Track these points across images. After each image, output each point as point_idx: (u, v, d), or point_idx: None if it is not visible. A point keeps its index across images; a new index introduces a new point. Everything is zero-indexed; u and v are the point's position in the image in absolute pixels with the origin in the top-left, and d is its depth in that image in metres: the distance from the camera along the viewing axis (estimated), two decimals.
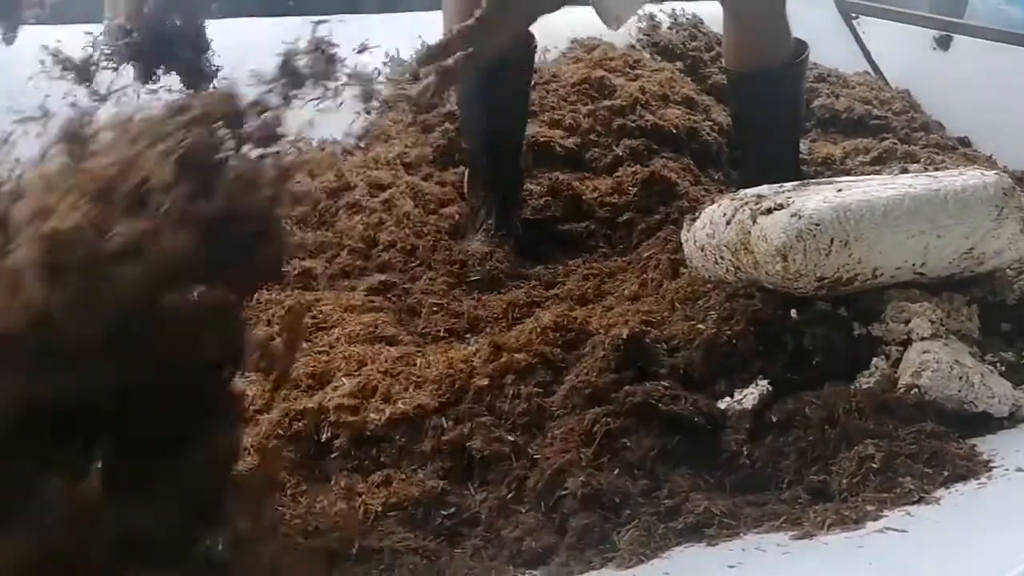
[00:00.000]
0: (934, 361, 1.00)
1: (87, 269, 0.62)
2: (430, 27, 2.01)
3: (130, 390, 0.64)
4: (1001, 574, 0.62)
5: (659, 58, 2.13)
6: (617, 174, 1.66)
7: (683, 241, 1.28)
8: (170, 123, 0.70)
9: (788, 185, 1.21)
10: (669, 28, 2.27)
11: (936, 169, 1.71)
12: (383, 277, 1.37)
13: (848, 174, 1.79)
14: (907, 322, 1.07)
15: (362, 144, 1.75)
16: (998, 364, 1.05)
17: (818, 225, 1.06)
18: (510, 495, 0.93)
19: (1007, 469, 0.85)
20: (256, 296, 1.30)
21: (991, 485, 0.83)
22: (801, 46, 1.59)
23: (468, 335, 1.24)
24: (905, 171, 1.74)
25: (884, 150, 1.92)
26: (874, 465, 0.87)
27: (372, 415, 1.00)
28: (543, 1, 1.28)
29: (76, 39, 0.89)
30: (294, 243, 1.40)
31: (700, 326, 1.09)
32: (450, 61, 1.06)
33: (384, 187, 1.57)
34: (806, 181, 1.26)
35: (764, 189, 1.20)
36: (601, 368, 1.04)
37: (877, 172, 1.80)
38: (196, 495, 0.67)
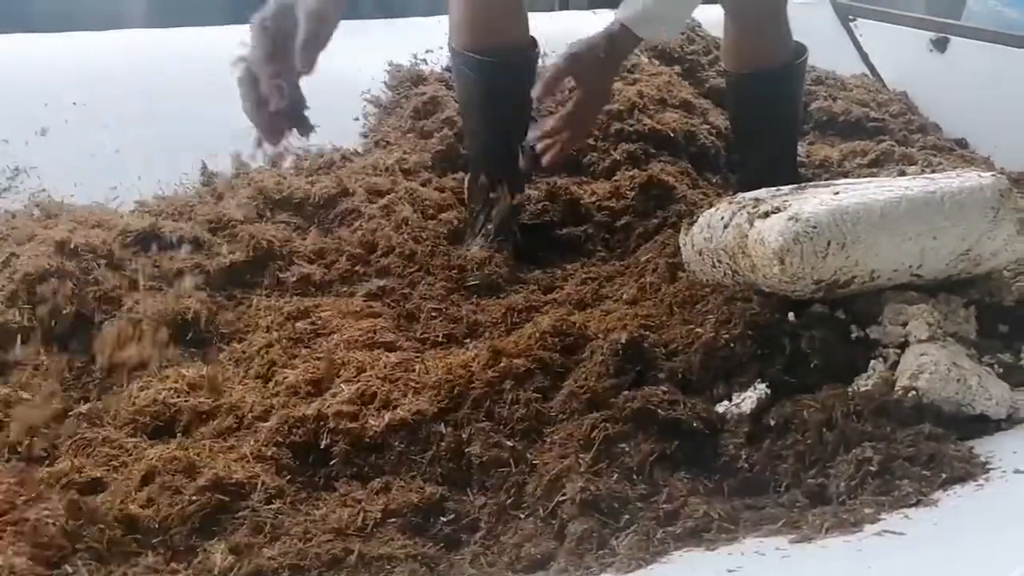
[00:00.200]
0: (931, 363, 1.00)
1: None
2: (429, 33, 2.03)
3: None
4: None
5: (657, 62, 2.13)
6: (615, 178, 1.67)
7: (681, 245, 1.29)
8: None
9: (785, 188, 1.21)
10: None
11: (933, 171, 1.71)
12: (382, 282, 1.37)
13: (846, 176, 1.80)
14: (904, 324, 1.07)
15: (360, 150, 1.76)
16: (995, 366, 1.05)
17: (815, 228, 1.06)
18: (509, 501, 0.93)
19: (1004, 471, 0.85)
20: (254, 302, 1.31)
21: (989, 487, 0.83)
22: (800, 48, 1.60)
23: (467, 340, 1.24)
24: (903, 173, 1.74)
25: (882, 152, 1.92)
26: (872, 468, 0.87)
27: (371, 421, 1.00)
28: None
29: None
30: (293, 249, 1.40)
31: (698, 330, 1.09)
32: None
33: (383, 193, 1.57)
34: (803, 184, 1.27)
35: (761, 192, 1.20)
36: (600, 373, 1.04)
37: (875, 174, 1.80)
38: None
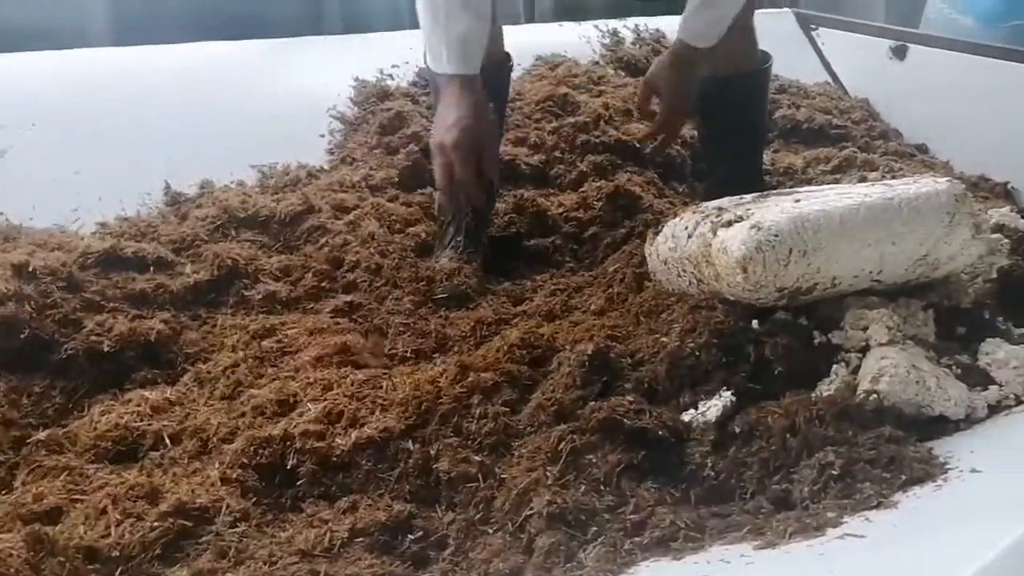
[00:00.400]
0: (892, 366, 1.02)
1: None
2: (393, 48, 2.03)
3: None
4: (952, 574, 0.63)
5: (623, 73, 2.15)
6: (582, 189, 1.68)
7: (647, 255, 1.30)
8: None
9: (748, 197, 1.22)
10: (633, 43, 2.31)
11: (894, 176, 1.74)
12: (349, 298, 1.36)
13: (809, 183, 1.83)
14: (865, 329, 1.08)
15: (326, 167, 1.75)
16: (953, 367, 1.07)
17: (777, 236, 1.07)
18: (478, 516, 0.92)
19: (962, 471, 0.86)
20: (219, 321, 1.30)
21: (947, 487, 0.84)
22: (765, 56, 1.63)
23: (436, 355, 1.24)
24: (864, 179, 1.77)
25: (844, 159, 1.95)
26: (834, 472, 0.88)
27: (338, 440, 1.00)
28: None
29: None
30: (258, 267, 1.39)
31: (664, 339, 1.09)
32: None
33: (349, 209, 1.57)
34: (766, 192, 1.28)
35: (724, 202, 1.22)
36: (567, 385, 1.05)
37: (837, 181, 1.83)
38: None
